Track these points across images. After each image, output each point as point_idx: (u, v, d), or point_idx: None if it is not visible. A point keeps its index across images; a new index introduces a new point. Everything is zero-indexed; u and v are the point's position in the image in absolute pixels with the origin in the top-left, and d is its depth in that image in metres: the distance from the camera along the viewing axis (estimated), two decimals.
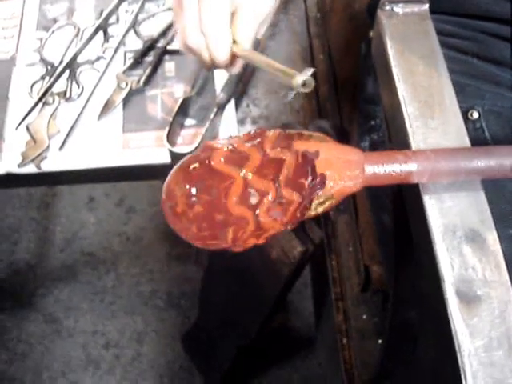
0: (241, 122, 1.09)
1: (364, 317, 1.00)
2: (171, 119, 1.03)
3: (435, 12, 0.70)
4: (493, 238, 0.53)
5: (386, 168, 0.55)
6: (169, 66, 1.15)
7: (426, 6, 0.66)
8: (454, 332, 0.50)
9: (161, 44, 1.16)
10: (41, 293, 2.02)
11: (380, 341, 0.97)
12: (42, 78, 1.13)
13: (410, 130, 0.58)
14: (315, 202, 0.55)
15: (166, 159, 1.03)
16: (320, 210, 0.56)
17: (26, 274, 2.05)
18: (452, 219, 0.54)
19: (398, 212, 0.69)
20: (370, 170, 0.55)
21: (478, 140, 0.78)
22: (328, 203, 0.56)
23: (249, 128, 1.09)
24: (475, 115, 0.80)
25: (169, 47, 1.16)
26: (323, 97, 1.14)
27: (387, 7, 0.65)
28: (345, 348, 1.00)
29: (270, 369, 1.86)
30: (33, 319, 1.97)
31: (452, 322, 0.50)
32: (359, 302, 1.01)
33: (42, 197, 2.17)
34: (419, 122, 0.58)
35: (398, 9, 0.65)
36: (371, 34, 0.98)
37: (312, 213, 0.56)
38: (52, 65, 1.14)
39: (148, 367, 1.90)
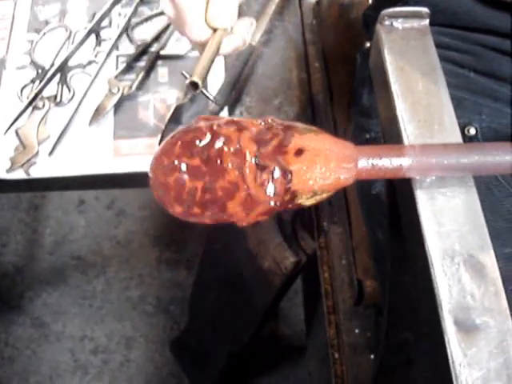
0: None
1: (356, 331, 0.98)
2: (163, 127, 1.02)
3: (433, 24, 0.68)
4: (492, 265, 0.52)
5: (379, 161, 0.54)
6: (162, 71, 1.14)
7: (426, 22, 0.64)
8: (451, 362, 0.49)
9: (154, 49, 1.15)
10: (29, 296, 2.00)
11: (372, 356, 0.96)
12: (33, 81, 1.11)
13: None
14: (307, 194, 0.54)
15: None
16: (313, 201, 0.56)
17: (14, 277, 2.03)
18: (451, 244, 0.52)
19: (393, 231, 0.68)
20: (363, 163, 0.54)
21: None
22: (321, 195, 0.55)
23: None
24: (472, 131, 0.79)
25: (162, 52, 1.15)
26: (318, 106, 1.13)
27: (386, 22, 0.64)
28: (336, 362, 0.99)
29: (260, 376, 1.85)
30: (20, 323, 1.95)
31: (450, 352, 0.49)
32: (351, 315, 1.00)
33: (31, 198, 2.14)
34: (418, 141, 0.56)
35: (398, 24, 0.64)
36: (367, 44, 0.97)
37: (307, 202, 0.56)
38: (43, 68, 1.12)
39: (136, 373, 1.88)
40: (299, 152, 0.53)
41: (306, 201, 0.55)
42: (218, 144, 0.53)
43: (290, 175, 0.52)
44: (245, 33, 0.74)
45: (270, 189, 0.53)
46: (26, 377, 1.88)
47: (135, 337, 1.93)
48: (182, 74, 0.91)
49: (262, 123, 0.54)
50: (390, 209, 0.68)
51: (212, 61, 0.68)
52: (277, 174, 0.52)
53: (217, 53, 0.70)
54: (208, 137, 0.54)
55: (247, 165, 0.53)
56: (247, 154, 0.53)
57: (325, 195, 0.55)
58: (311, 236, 1.10)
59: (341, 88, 1.13)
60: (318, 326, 1.29)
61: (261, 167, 0.53)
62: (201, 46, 0.72)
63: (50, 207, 2.15)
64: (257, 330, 1.40)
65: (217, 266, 1.41)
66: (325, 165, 0.52)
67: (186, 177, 0.54)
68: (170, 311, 1.96)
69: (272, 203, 0.54)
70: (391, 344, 0.80)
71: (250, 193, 0.53)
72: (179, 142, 0.54)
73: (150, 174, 0.56)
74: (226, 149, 0.53)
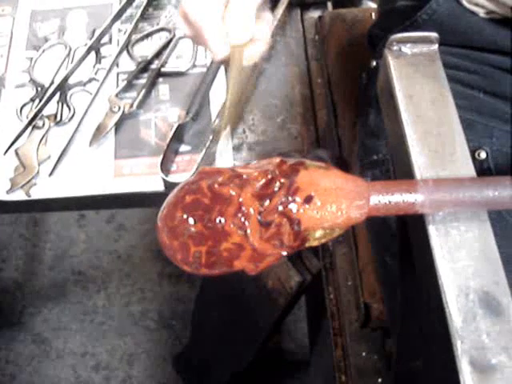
0: (237, 148, 1.07)
1: (363, 354, 0.97)
2: (165, 146, 1.00)
3: (441, 44, 0.67)
4: (507, 301, 0.50)
5: (391, 198, 0.53)
6: (163, 88, 1.13)
7: (436, 47, 0.63)
8: None
9: (155, 65, 1.13)
10: (29, 312, 1.98)
11: (380, 380, 0.95)
12: (32, 100, 1.10)
13: None
14: (319, 231, 0.53)
15: (160, 187, 1.00)
16: (323, 240, 0.54)
17: (14, 293, 2.01)
18: (465, 280, 0.51)
19: (404, 260, 0.66)
20: (375, 200, 0.53)
21: None
22: (333, 233, 0.54)
23: (245, 155, 1.06)
24: (483, 155, 0.77)
25: (163, 69, 1.13)
26: (321, 122, 1.11)
27: (395, 47, 0.62)
28: None
29: None
30: (21, 339, 1.93)
31: None
32: (358, 338, 0.98)
33: (31, 213, 2.13)
34: (429, 172, 0.55)
35: (406, 49, 0.62)
36: (373, 63, 0.96)
37: (314, 243, 0.54)
38: (42, 86, 1.11)
39: None
40: (308, 199, 0.51)
41: (317, 241, 0.53)
42: (219, 206, 0.52)
43: (298, 224, 0.51)
44: (266, 35, 0.74)
45: (278, 242, 0.52)
46: None
47: (137, 353, 1.91)
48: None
49: (269, 169, 0.53)
50: (400, 238, 0.66)
51: (238, 100, 0.67)
52: (284, 227, 0.51)
53: (243, 76, 0.70)
54: (209, 199, 0.53)
55: (249, 224, 0.52)
56: (249, 213, 0.52)
57: (335, 234, 0.53)
58: (316, 255, 1.09)
59: (344, 104, 1.11)
60: (323, 344, 1.27)
61: (265, 224, 0.52)
62: (225, 62, 0.73)
63: (49, 222, 2.13)
64: (260, 348, 1.38)
65: (220, 283, 1.39)
66: (336, 204, 0.51)
67: (189, 242, 0.53)
68: (172, 326, 1.94)
69: (282, 253, 0.53)
70: (401, 371, 0.78)
71: (255, 249, 0.52)
72: (181, 205, 0.53)
73: (158, 234, 0.56)
74: (227, 211, 0.52)
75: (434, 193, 0.51)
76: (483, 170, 0.77)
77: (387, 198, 0.53)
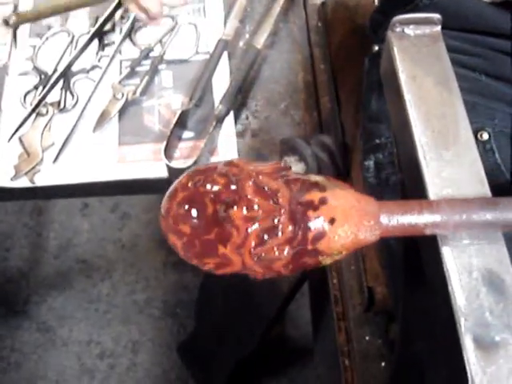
0: (240, 134, 1.07)
1: (367, 338, 0.97)
2: (169, 132, 1.01)
3: (443, 27, 0.67)
4: (511, 280, 0.51)
5: (403, 219, 0.52)
6: (166, 75, 1.13)
7: (439, 28, 0.63)
8: (471, 380, 0.47)
9: (157, 53, 1.13)
10: (34, 301, 1.99)
11: (383, 364, 0.95)
12: (36, 87, 1.10)
13: (423, 162, 0.55)
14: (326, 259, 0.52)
15: (163, 173, 1.01)
16: (330, 261, 0.53)
17: (19, 282, 2.02)
18: (468, 258, 0.51)
19: (408, 244, 0.66)
20: (385, 220, 0.52)
21: (488, 163, 0.76)
22: (341, 254, 0.53)
23: (248, 141, 1.06)
24: (485, 136, 0.77)
25: (166, 56, 1.13)
26: (325, 109, 1.11)
27: (398, 29, 0.62)
28: (347, 370, 0.97)
29: (267, 379, 1.84)
30: (26, 328, 1.94)
31: (469, 370, 0.48)
32: (362, 322, 0.99)
33: (35, 202, 2.13)
34: (433, 153, 0.55)
35: (409, 30, 0.62)
36: (375, 48, 0.96)
37: (327, 261, 0.53)
38: (45, 74, 1.11)
39: (143, 377, 1.87)
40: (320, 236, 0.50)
41: (330, 259, 0.52)
42: (216, 232, 0.52)
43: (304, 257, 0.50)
44: None
45: (273, 273, 0.52)
46: (32, 382, 1.87)
47: (142, 341, 1.92)
48: None
49: (276, 209, 0.51)
50: None
51: None
52: (279, 262, 0.50)
53: None
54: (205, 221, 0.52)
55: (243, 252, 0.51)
56: (246, 245, 0.51)
57: (346, 253, 0.52)
58: None
59: (347, 90, 1.12)
60: (326, 330, 1.28)
61: (257, 259, 0.51)
62: None
63: (53, 211, 2.14)
64: (264, 336, 1.39)
65: None
66: (346, 221, 0.50)
67: (179, 245, 0.54)
68: (176, 314, 1.95)
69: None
70: (404, 353, 0.79)
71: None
72: (174, 218, 0.53)
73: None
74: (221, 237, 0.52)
75: (447, 214, 0.51)
76: (486, 151, 0.77)
77: (399, 220, 0.52)
